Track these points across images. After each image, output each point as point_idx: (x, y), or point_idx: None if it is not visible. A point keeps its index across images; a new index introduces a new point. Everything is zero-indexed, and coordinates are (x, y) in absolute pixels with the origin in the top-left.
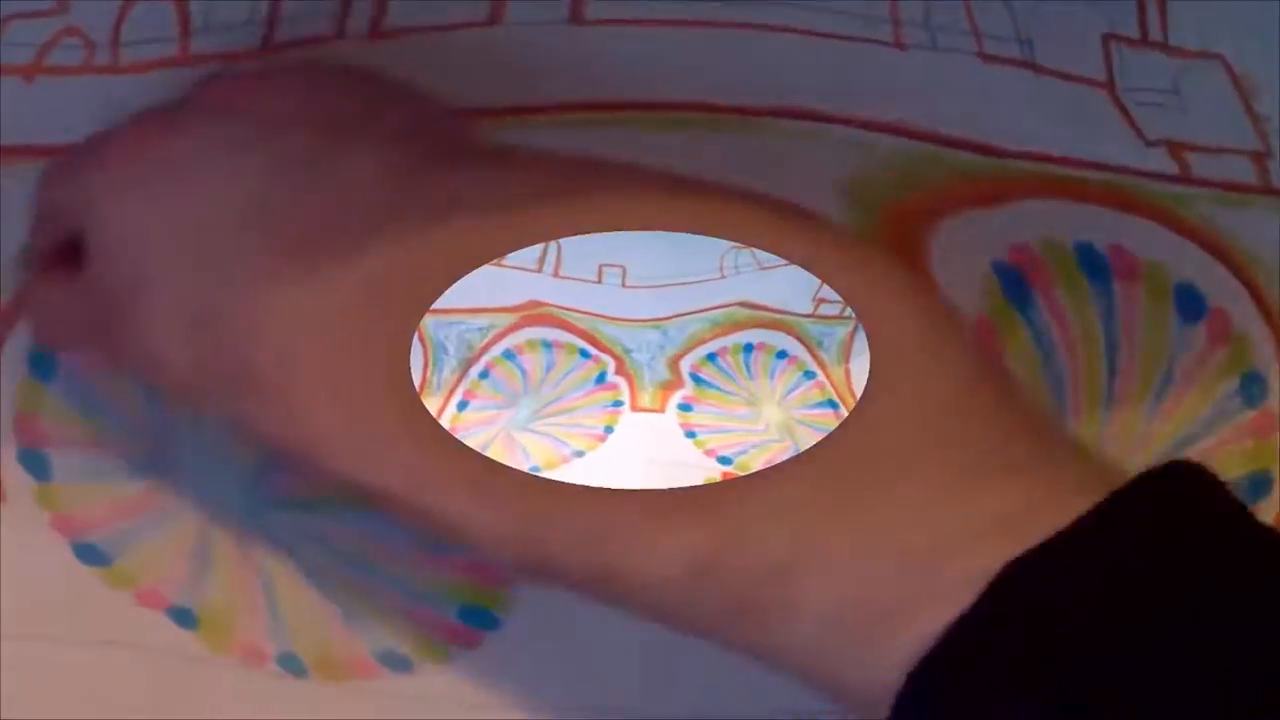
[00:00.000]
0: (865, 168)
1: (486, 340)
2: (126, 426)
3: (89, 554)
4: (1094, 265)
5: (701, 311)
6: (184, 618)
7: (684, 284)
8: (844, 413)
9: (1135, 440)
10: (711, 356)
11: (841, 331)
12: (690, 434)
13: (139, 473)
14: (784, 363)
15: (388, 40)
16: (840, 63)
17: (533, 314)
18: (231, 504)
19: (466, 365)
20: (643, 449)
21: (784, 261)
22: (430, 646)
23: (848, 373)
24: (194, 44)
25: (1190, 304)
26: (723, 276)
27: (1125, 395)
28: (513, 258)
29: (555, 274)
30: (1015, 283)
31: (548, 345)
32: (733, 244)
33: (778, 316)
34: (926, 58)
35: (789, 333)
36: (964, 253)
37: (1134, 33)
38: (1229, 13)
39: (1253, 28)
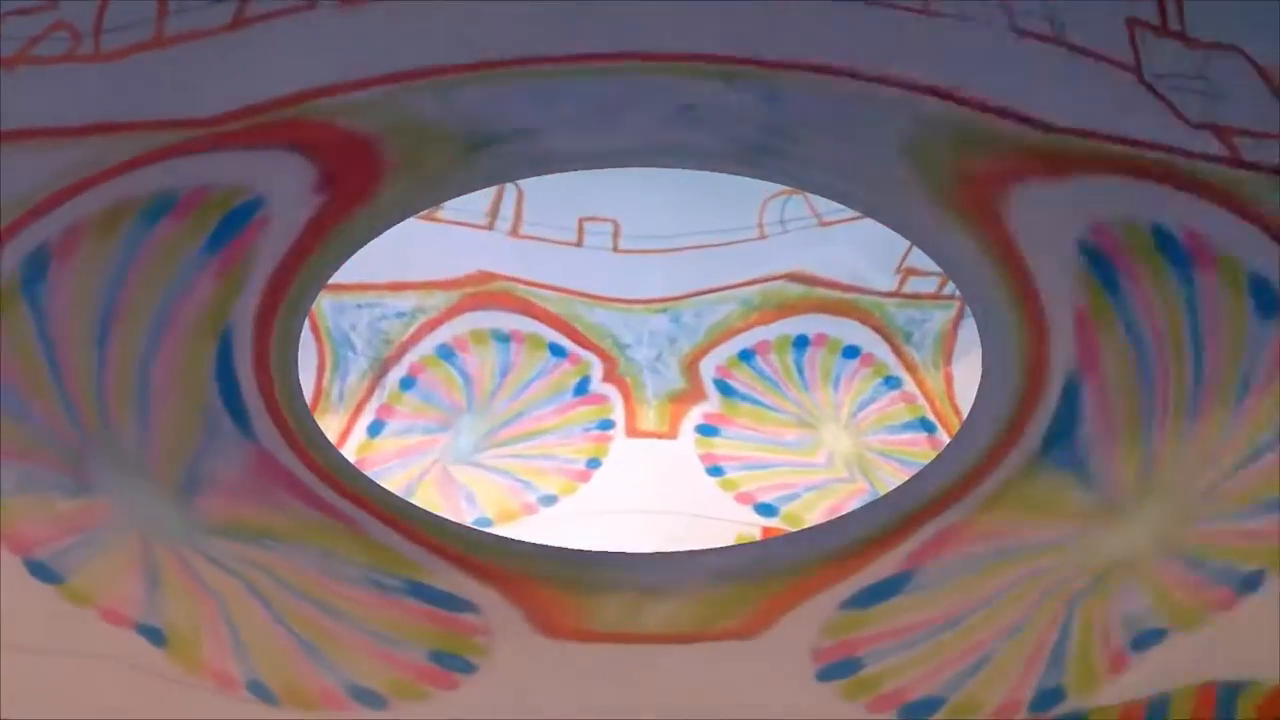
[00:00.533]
0: (918, 129)
1: (412, 331)
2: (50, 436)
3: (41, 571)
4: (1172, 251)
5: (731, 288)
6: (154, 636)
7: (705, 246)
8: (944, 439)
9: (1210, 454)
10: (746, 355)
11: (941, 318)
12: (715, 470)
13: (70, 487)
14: (854, 364)
15: (356, 5)
16: (872, 26)
17: (480, 291)
18: (165, 526)
19: (382, 368)
20: (644, 492)
21: (855, 214)
22: (404, 686)
23: (949, 378)
24: (168, 27)
25: (1264, 296)
26: (762, 236)
27: (1209, 403)
28: (452, 207)
29: (514, 231)
30: (1103, 267)
31: (502, 338)
32: (779, 187)
33: (845, 296)
34: (957, 27)
35: (862, 320)
36: (1046, 226)
37: (1154, 19)
38: (1243, 8)
39: (1265, 24)
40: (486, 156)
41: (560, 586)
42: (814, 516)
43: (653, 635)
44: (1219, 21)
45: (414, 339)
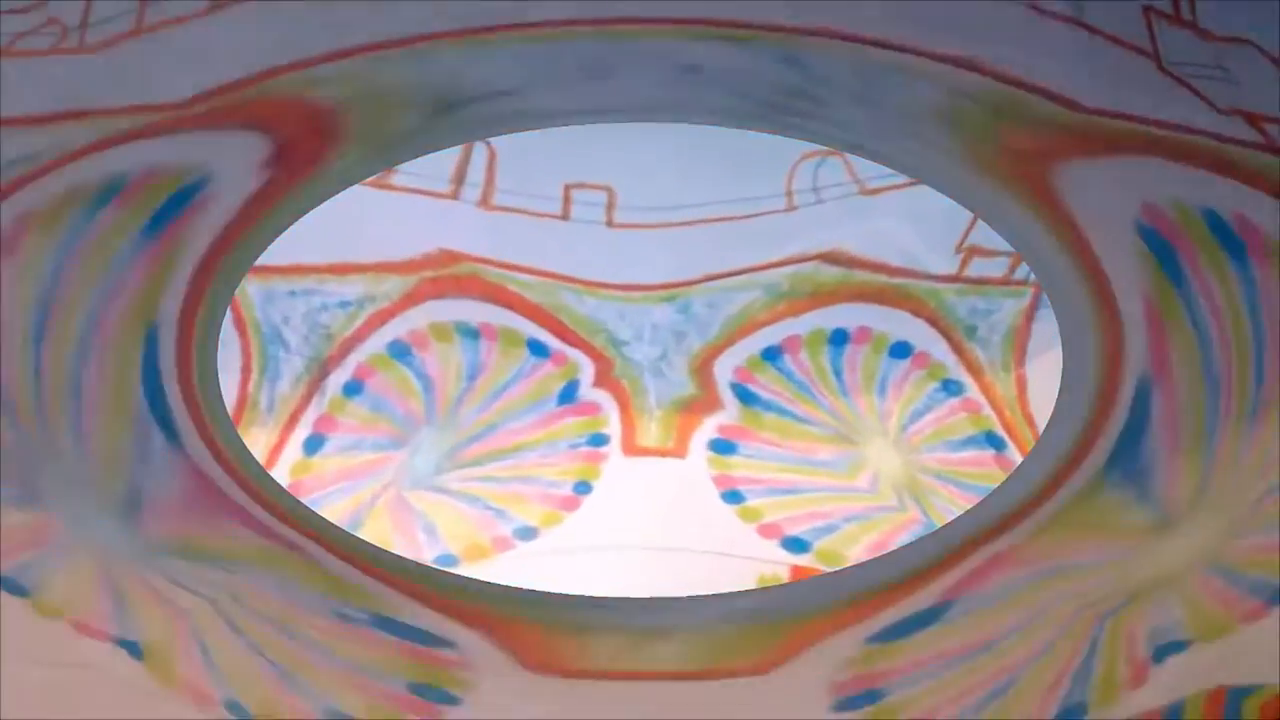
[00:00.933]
0: (951, 99)
1: (359, 324)
2: None
3: (9, 584)
4: (1226, 237)
5: (753, 271)
6: (132, 649)
7: (720, 219)
8: (1016, 456)
9: (1265, 463)
10: (771, 354)
11: (1011, 309)
12: (732, 496)
13: (18, 498)
14: (904, 365)
15: None
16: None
17: (443, 275)
18: (115, 543)
19: (322, 369)
20: (645, 524)
21: (905, 179)
22: (386, 714)
23: (1022, 383)
24: (148, 16)
25: None
26: (791, 206)
27: (1267, 407)
28: (409, 171)
29: (484, 201)
30: (1163, 250)
31: (470, 333)
32: (813, 145)
33: (894, 280)
34: (979, 4)
35: (915, 310)
36: (1100, 206)
37: (1168, 9)
38: (1250, 4)
39: (1272, 16)
40: (457, 117)
41: (546, 627)
42: (855, 554)
43: (653, 673)
44: (1227, 15)
45: (361, 334)
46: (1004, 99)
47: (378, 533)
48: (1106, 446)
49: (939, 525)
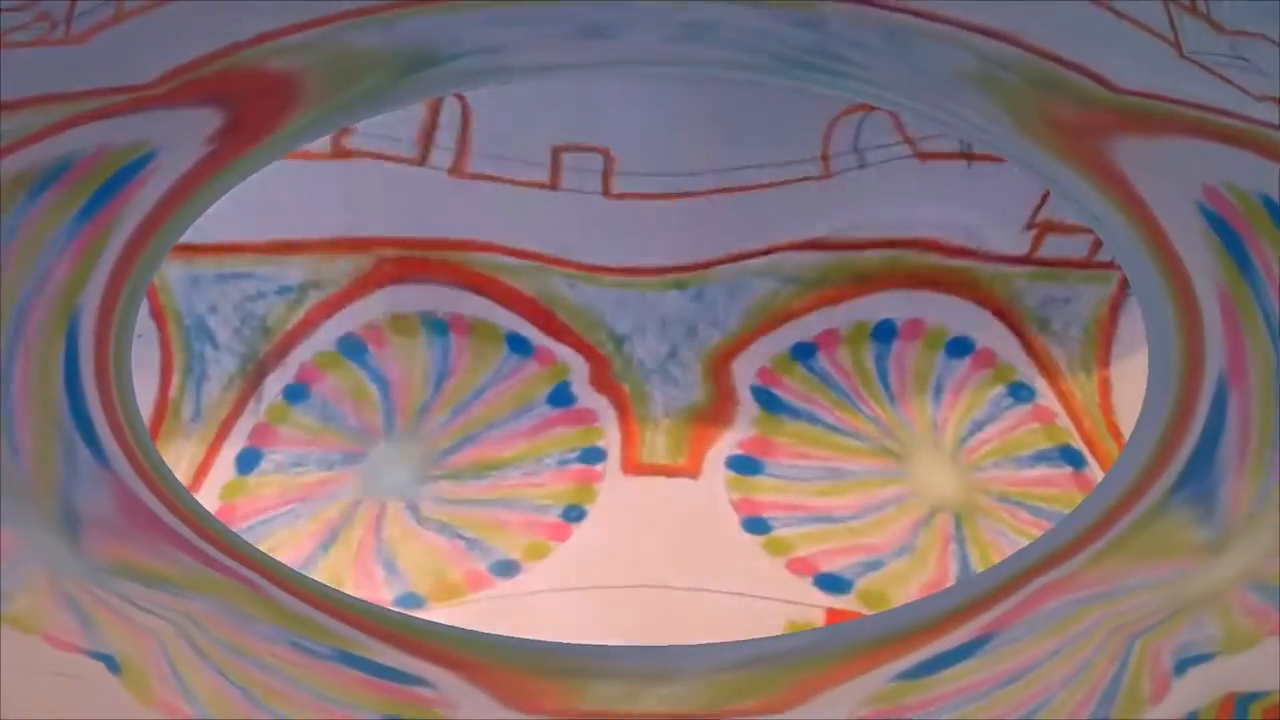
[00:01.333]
0: (985, 65)
1: (302, 315)
2: None
3: None
4: None
5: (782, 250)
6: (109, 662)
7: (741, 188)
8: (1096, 474)
9: None
10: (803, 351)
11: (1092, 297)
12: (756, 524)
13: None
14: (964, 365)
15: None
16: None
17: (406, 257)
18: (63, 562)
19: (257, 371)
20: (648, 557)
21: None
22: None
23: (1105, 386)
24: (127, 3)
25: None
26: (827, 173)
27: None
28: (366, 133)
29: (456, 168)
30: (1229, 236)
31: (438, 326)
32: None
33: (951, 262)
34: None
35: (979, 299)
36: (1161, 184)
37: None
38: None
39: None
40: (430, 75)
41: (531, 674)
42: (905, 593)
43: (655, 715)
44: (1239, 12)
45: (305, 327)
46: (1041, 72)
47: (328, 567)
48: (1181, 461)
49: (984, 553)
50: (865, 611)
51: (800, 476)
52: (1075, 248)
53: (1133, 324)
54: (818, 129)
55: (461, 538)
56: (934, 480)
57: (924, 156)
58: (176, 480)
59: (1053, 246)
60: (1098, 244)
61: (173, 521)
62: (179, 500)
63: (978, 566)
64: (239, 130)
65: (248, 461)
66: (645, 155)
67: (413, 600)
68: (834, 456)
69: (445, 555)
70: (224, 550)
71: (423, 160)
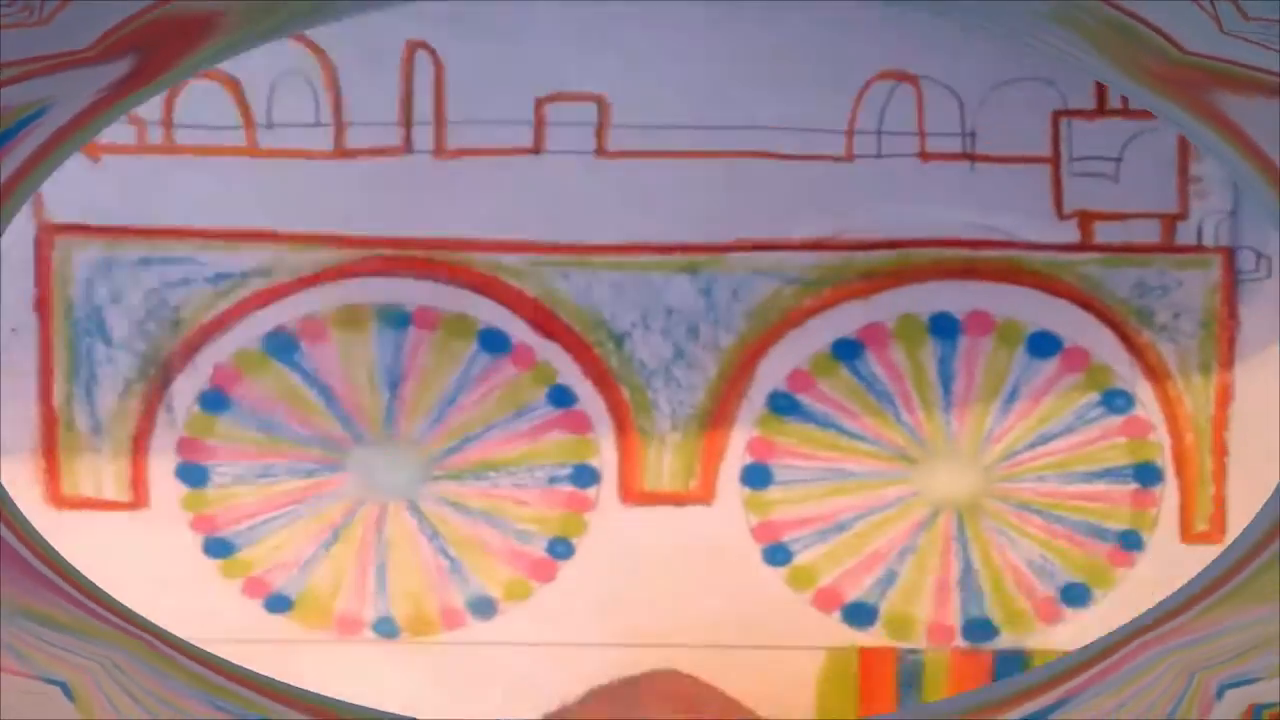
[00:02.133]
0: (1070, 9)
1: (227, 306)
2: None
3: None
4: None
5: (816, 225)
6: (63, 688)
7: (765, 154)
8: (1169, 493)
9: None
10: (846, 349)
11: (1199, 284)
12: (778, 554)
13: None
14: (1049, 367)
15: None
16: None
17: (362, 237)
18: None
19: (163, 373)
20: (650, 599)
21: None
22: None
23: (1224, 393)
24: None
25: None
26: (849, 156)
27: None
28: (354, 115)
29: (436, 146)
30: None
31: (397, 318)
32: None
33: (1018, 255)
34: None
35: (1062, 292)
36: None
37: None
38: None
39: None
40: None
41: None
42: (922, 609)
43: None
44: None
45: (227, 319)
46: (1118, 21)
47: (316, 583)
48: None
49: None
50: (896, 644)
51: (811, 477)
52: (1145, 231)
53: (1256, 315)
54: (851, 89)
55: (447, 556)
56: (943, 484)
57: (926, 157)
58: (27, 521)
59: (1112, 233)
60: (1170, 226)
61: (35, 563)
62: (37, 540)
63: (978, 566)
64: (140, 75)
65: (194, 476)
66: (648, 108)
67: (388, 627)
68: (839, 458)
69: (426, 577)
70: (106, 609)
71: (406, 143)
